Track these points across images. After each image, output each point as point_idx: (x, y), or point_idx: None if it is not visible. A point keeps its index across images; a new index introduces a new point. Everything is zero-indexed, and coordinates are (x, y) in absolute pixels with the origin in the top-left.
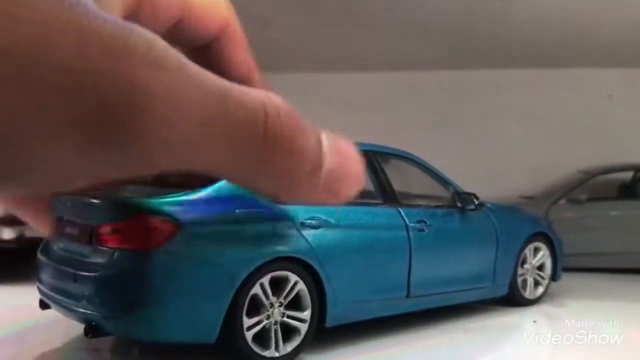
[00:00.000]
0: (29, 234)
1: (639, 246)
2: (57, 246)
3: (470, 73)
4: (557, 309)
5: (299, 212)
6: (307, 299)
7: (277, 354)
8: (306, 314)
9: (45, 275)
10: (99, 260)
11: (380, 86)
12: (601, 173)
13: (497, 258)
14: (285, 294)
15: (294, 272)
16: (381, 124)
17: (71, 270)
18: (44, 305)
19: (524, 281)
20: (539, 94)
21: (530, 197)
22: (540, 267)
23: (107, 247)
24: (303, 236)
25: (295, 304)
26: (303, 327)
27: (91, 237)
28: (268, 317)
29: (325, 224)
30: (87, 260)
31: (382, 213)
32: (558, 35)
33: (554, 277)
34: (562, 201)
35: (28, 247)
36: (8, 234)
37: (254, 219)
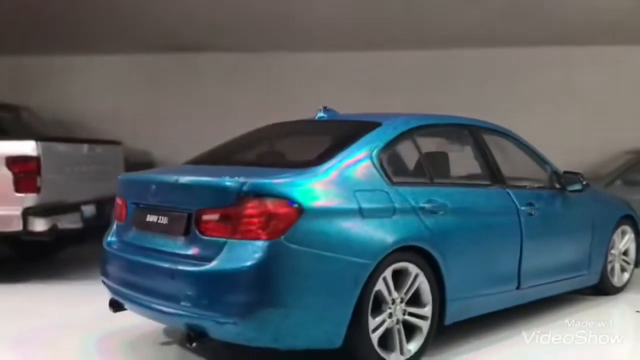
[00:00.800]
0: (62, 225)
1: None
2: (133, 236)
3: (501, 51)
4: None
5: (416, 193)
6: (427, 293)
7: (402, 357)
8: (427, 310)
9: (118, 271)
10: (204, 253)
11: (405, 65)
12: None
13: (593, 244)
14: (406, 288)
15: (415, 264)
16: (406, 105)
17: (164, 265)
18: (116, 305)
19: (612, 268)
20: (574, 73)
21: None
22: (625, 252)
23: (213, 237)
24: (423, 222)
25: (415, 299)
26: (424, 325)
27: (189, 226)
28: (390, 316)
29: (443, 208)
30: (185, 253)
31: (494, 195)
32: (598, 12)
33: (637, 263)
34: (618, 182)
35: (61, 239)
36: (40, 225)
37: (374, 201)
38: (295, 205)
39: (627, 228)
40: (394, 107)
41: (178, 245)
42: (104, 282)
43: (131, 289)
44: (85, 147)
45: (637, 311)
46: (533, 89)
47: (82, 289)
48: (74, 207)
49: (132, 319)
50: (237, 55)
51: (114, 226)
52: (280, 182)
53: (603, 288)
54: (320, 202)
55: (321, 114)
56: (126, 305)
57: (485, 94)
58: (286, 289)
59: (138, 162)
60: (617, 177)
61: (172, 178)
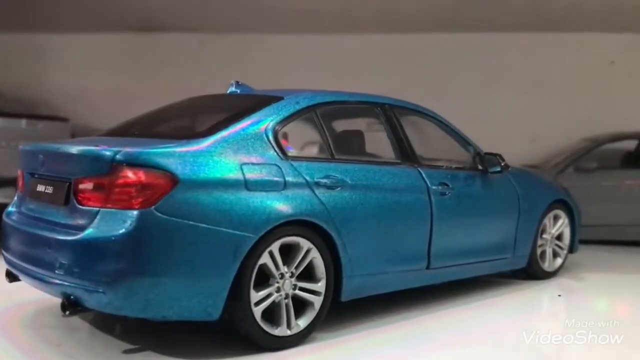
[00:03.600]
0: None
1: None
2: (27, 207)
3: (467, 36)
4: (578, 283)
5: (312, 168)
6: (320, 268)
7: (289, 332)
8: (320, 286)
9: (12, 242)
10: (78, 222)
11: (373, 49)
12: (609, 141)
13: (519, 227)
14: (297, 263)
15: (306, 238)
16: (374, 89)
17: (45, 235)
18: (11, 276)
19: (543, 252)
20: (538, 59)
21: (533, 166)
22: (559, 237)
23: (88, 207)
24: (317, 197)
25: (307, 274)
26: (317, 301)
27: (68, 195)
28: (278, 290)
29: (342, 184)
30: (64, 222)
31: (402, 173)
32: None
33: (571, 248)
34: (570, 169)
35: None
36: None
37: (262, 174)
38: (169, 176)
39: (560, 213)
40: (355, 89)
41: (60, 215)
42: (2, 254)
43: (22, 259)
44: (23, 122)
45: (560, 295)
46: (497, 74)
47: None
48: (9, 182)
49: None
50: (201, 36)
51: (16, 197)
52: (155, 151)
53: (532, 272)
54: (199, 174)
55: (233, 89)
56: (19, 276)
57: (452, 78)
58: (155, 259)
59: None
60: (569, 164)
61: (55, 147)
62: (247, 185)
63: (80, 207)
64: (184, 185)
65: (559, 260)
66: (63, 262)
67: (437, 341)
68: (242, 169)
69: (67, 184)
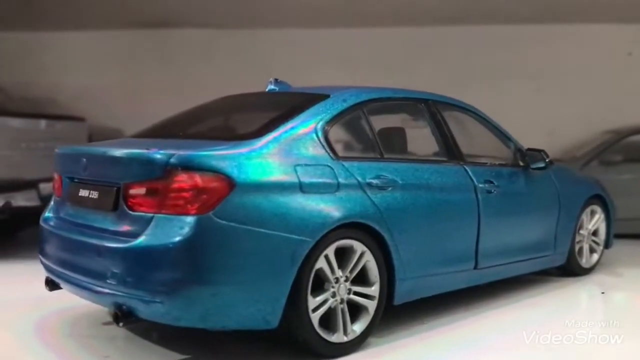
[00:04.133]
0: (17, 202)
1: None
2: (68, 213)
3: (483, 29)
4: (616, 279)
5: (363, 168)
6: (374, 272)
7: (345, 338)
8: (374, 290)
9: (52, 249)
10: (130, 228)
11: (385, 43)
12: (633, 133)
13: (559, 223)
14: (351, 266)
15: (360, 241)
16: (385, 83)
17: (92, 242)
18: (52, 284)
19: (580, 248)
20: (555, 52)
21: (556, 160)
22: (595, 233)
23: (140, 212)
24: (369, 198)
25: (360, 278)
26: (371, 305)
27: (117, 200)
28: (333, 295)
29: (392, 184)
30: (113, 229)
31: (449, 172)
32: None
33: (606, 244)
34: (594, 162)
35: (18, 218)
36: None
37: (316, 176)
38: (226, 179)
39: (597, 208)
40: (370, 84)
41: (107, 221)
42: (40, 261)
43: (65, 267)
44: (43, 123)
45: (603, 292)
46: (515, 67)
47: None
48: (31, 184)
49: (76, 298)
50: (211, 32)
51: (52, 202)
52: (210, 154)
53: (570, 269)
54: (255, 177)
55: (272, 87)
56: (61, 284)
57: (463, 72)
58: (214, 266)
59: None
60: (593, 157)
61: (100, 150)
62: (302, 187)
63: (131, 213)
64: (240, 188)
65: (595, 256)
66: (115, 271)
67: (491, 344)
68: (296, 171)
69: (115, 188)
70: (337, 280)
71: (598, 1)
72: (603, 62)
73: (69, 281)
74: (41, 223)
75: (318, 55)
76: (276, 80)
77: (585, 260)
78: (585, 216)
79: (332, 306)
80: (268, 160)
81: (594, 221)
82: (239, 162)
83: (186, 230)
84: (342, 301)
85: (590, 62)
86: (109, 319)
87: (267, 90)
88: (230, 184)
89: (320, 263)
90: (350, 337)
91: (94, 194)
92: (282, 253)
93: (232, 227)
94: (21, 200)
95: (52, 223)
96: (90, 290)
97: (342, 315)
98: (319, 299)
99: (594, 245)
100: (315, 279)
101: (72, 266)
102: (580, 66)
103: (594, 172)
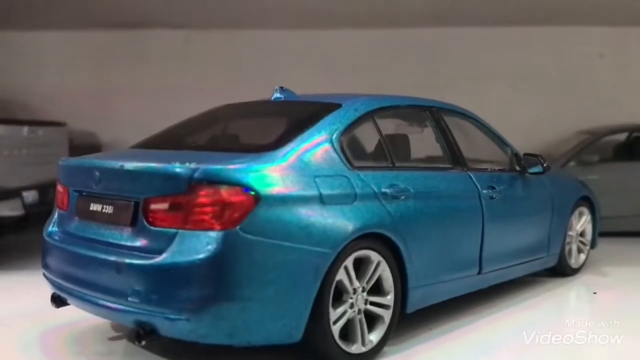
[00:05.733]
0: (1, 211)
1: None
2: (76, 227)
3: (461, 31)
4: (604, 278)
5: (377, 178)
6: (389, 281)
7: (364, 349)
8: (389, 299)
9: (59, 264)
10: (151, 244)
11: (366, 45)
12: (608, 134)
13: (552, 226)
14: (368, 277)
15: (376, 251)
16: (363, 84)
17: (109, 259)
18: (58, 301)
19: (570, 249)
20: (530, 53)
21: None
22: (582, 234)
23: (162, 228)
24: (385, 207)
25: (375, 288)
26: (386, 314)
27: (136, 215)
28: (351, 306)
29: (405, 193)
30: (131, 244)
31: (456, 179)
32: None
33: (592, 244)
34: (572, 163)
35: (1, 227)
36: None
37: (335, 187)
38: (252, 193)
39: (584, 209)
40: (350, 86)
41: (124, 237)
42: (45, 276)
43: (74, 283)
44: (25, 129)
45: (594, 293)
46: (488, 69)
47: (22, 279)
48: (14, 193)
49: (78, 312)
50: (186, 33)
51: (55, 215)
52: (234, 167)
53: (561, 270)
54: (278, 189)
55: (277, 95)
56: (69, 300)
57: (441, 73)
58: (242, 282)
59: (83, 145)
60: (571, 158)
61: (118, 164)
62: (322, 199)
63: (152, 228)
64: (265, 202)
65: (582, 256)
66: (137, 288)
67: (504, 347)
68: (315, 182)
69: (133, 203)
70: (354, 291)
71: (571, 5)
72: (576, 63)
73: (81, 298)
74: (45, 237)
75: (295, 57)
76: (282, 88)
77: (574, 261)
78: (574, 218)
79: (351, 317)
80: (290, 172)
81: (582, 222)
82: (262, 174)
83: (213, 245)
84: (359, 312)
85: (563, 64)
86: (114, 334)
87: (272, 98)
88: (256, 197)
89: (340, 275)
90: (368, 347)
91: (109, 209)
92: (306, 266)
93: (259, 241)
94: (5, 209)
95: (57, 237)
96: (107, 307)
97: (360, 326)
98: (339, 310)
99: (581, 245)
100: (334, 290)
101: (83, 282)
102: (553, 68)
103: (572, 173)
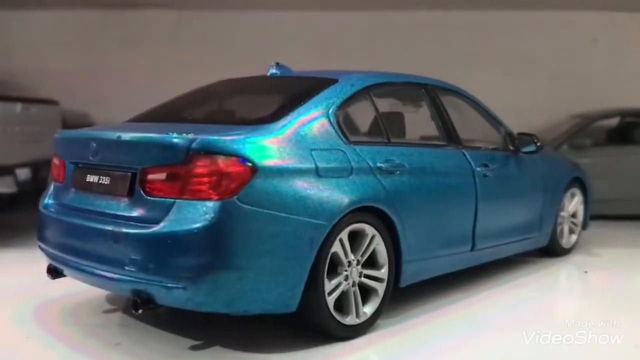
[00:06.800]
0: None
1: None
2: (72, 199)
3: (451, 14)
4: (595, 259)
5: (373, 153)
6: (383, 255)
7: (358, 321)
8: (383, 272)
9: (56, 236)
10: (148, 214)
11: (357, 27)
12: (600, 118)
13: (544, 206)
14: (363, 250)
15: (371, 225)
16: (356, 66)
17: (107, 229)
18: (54, 272)
19: (561, 230)
20: (523, 38)
21: None
22: (573, 215)
23: (159, 198)
24: (380, 182)
25: (370, 261)
26: (380, 287)
27: (133, 186)
28: (346, 278)
29: (400, 168)
30: (128, 214)
31: (450, 156)
32: None
33: (584, 225)
34: (564, 147)
35: None
36: None
37: (331, 160)
38: (249, 164)
39: (577, 190)
40: (343, 68)
41: (122, 207)
42: (40, 248)
43: (71, 254)
44: (18, 107)
45: (585, 272)
46: (482, 53)
47: (16, 256)
48: (7, 170)
49: (72, 286)
50: (177, 13)
51: (51, 187)
52: (232, 139)
53: (552, 250)
54: (275, 161)
55: (274, 70)
56: (65, 271)
57: (435, 57)
58: (239, 251)
59: (76, 125)
60: (563, 141)
61: (115, 134)
62: (319, 171)
63: (150, 198)
64: (262, 173)
65: (574, 237)
66: (135, 257)
67: (494, 324)
68: (312, 155)
69: (130, 174)
70: (349, 263)
71: None
72: (569, 48)
73: (77, 268)
74: (41, 209)
75: (288, 38)
76: (277, 64)
77: (566, 241)
78: (566, 198)
79: (345, 289)
80: (287, 144)
81: (574, 203)
82: (259, 146)
83: (211, 215)
84: (354, 284)
85: (556, 49)
86: (109, 306)
87: (268, 74)
88: (253, 168)
89: (336, 247)
90: (362, 319)
91: (105, 180)
92: (302, 237)
93: (256, 211)
94: None
95: (53, 209)
96: (104, 277)
97: (355, 298)
98: (334, 282)
99: (572, 226)
100: (329, 262)
101: (80, 253)
102: (547, 52)
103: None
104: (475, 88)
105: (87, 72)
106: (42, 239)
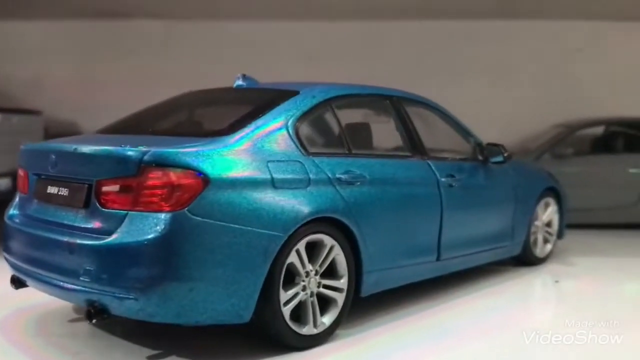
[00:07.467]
0: None
1: (627, 201)
2: (35, 210)
3: (437, 24)
4: (569, 268)
5: (333, 164)
6: (343, 265)
7: (315, 331)
8: (342, 282)
9: (19, 246)
10: (102, 225)
11: (344, 37)
12: (583, 127)
13: (515, 215)
14: (321, 260)
15: (329, 235)
16: (343, 77)
17: (63, 240)
18: (18, 282)
19: (535, 239)
20: (508, 47)
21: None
22: (548, 224)
23: (113, 209)
24: (339, 193)
25: (329, 272)
26: (340, 298)
27: (89, 197)
28: (304, 289)
29: (361, 179)
30: (84, 226)
31: (414, 166)
32: None
33: (559, 234)
34: (546, 156)
35: None
36: None
37: (288, 172)
38: (201, 176)
39: (551, 200)
40: (331, 78)
41: (78, 218)
42: (5, 259)
43: (32, 264)
44: None
45: (557, 281)
46: (466, 61)
47: None
48: None
49: (38, 296)
50: (167, 23)
51: (17, 198)
52: (184, 151)
53: (526, 259)
54: (228, 173)
55: (239, 82)
56: (28, 282)
57: (422, 66)
58: (190, 262)
59: (62, 134)
60: (545, 150)
61: (72, 147)
62: (274, 183)
63: (104, 210)
64: (214, 185)
65: (548, 246)
66: (88, 268)
67: (458, 332)
68: (268, 167)
69: (87, 185)
70: (307, 274)
71: None
72: (554, 58)
73: (38, 279)
74: (6, 220)
75: (276, 48)
76: (244, 75)
77: (540, 250)
78: (539, 208)
79: (303, 299)
80: (241, 156)
81: (548, 213)
82: (212, 158)
83: (161, 226)
84: (312, 294)
85: (542, 58)
86: (75, 316)
87: (234, 85)
88: (205, 180)
89: (292, 258)
90: (320, 329)
91: (64, 191)
92: (255, 248)
93: (207, 223)
94: None
95: (17, 220)
96: (61, 287)
97: (312, 308)
98: (290, 292)
99: (547, 235)
100: (286, 273)
101: (41, 263)
102: (532, 62)
103: (546, 165)
104: (461, 97)
105: (76, 81)
106: (6, 249)
